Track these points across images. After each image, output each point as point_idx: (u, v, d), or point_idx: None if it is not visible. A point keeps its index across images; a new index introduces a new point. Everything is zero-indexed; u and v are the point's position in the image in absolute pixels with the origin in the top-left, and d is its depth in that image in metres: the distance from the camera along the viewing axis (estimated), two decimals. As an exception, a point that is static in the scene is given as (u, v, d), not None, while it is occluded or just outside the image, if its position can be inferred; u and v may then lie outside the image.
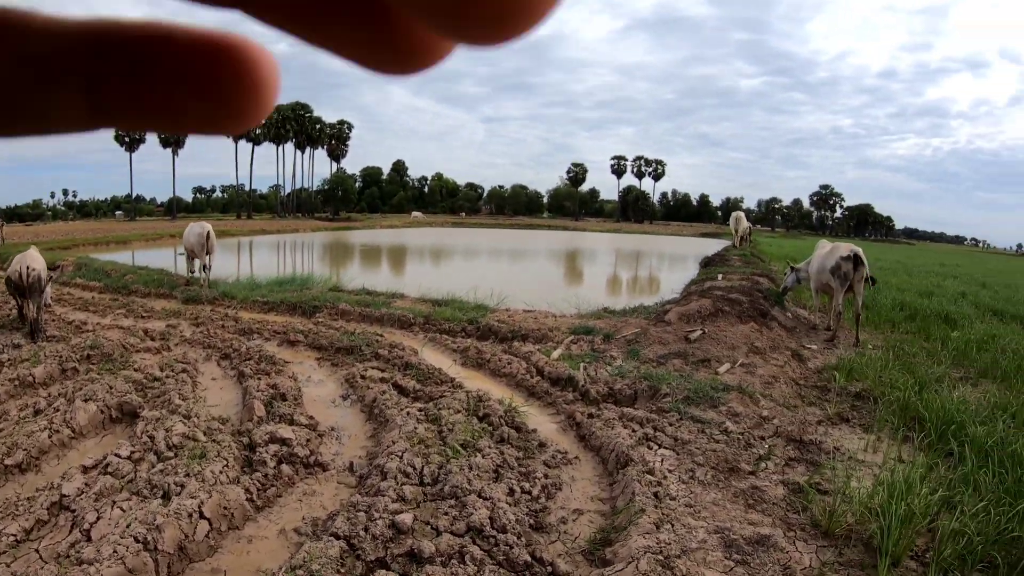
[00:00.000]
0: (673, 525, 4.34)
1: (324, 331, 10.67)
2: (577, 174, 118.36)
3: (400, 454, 5.33)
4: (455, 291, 14.28)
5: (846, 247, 11.34)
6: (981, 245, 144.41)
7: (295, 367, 8.75)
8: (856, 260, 10.94)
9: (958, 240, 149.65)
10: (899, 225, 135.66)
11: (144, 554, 3.84)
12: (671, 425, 6.40)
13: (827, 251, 11.72)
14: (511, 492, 4.97)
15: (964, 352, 10.41)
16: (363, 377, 8.11)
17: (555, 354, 9.44)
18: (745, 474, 5.36)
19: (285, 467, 5.44)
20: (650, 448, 5.79)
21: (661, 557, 3.91)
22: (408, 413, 6.46)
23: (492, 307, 13.31)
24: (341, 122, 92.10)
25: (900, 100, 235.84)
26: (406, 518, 4.28)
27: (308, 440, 6.00)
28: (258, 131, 79.76)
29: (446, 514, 4.44)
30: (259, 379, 7.63)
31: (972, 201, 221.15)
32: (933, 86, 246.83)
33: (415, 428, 5.94)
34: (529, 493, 5.06)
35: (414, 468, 5.10)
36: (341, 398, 7.71)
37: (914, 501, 4.33)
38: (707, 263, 25.54)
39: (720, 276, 17.98)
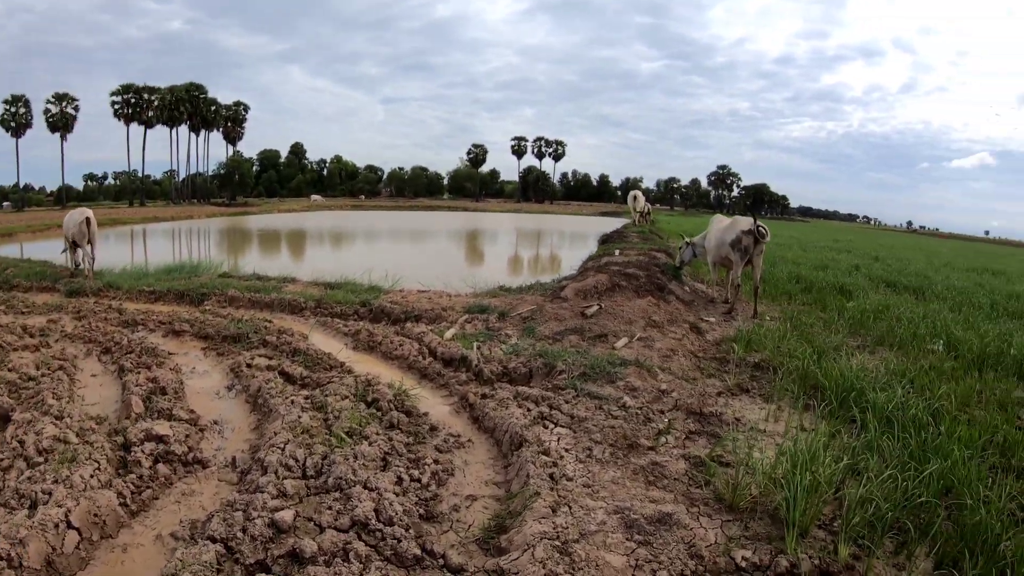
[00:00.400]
0: (570, 507, 4.16)
1: (211, 319, 10.27)
2: (478, 155, 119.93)
3: (282, 446, 5.05)
4: (350, 273, 14.27)
5: (746, 221, 11.55)
6: (873, 222, 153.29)
7: (179, 358, 8.36)
8: (757, 234, 11.16)
9: (850, 218, 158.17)
10: (794, 204, 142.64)
11: (8, 572, 3.51)
12: (567, 403, 6.25)
13: (726, 225, 11.92)
14: (399, 481, 4.71)
15: (860, 321, 10.81)
16: (249, 366, 7.77)
17: (448, 334, 9.20)
18: (645, 450, 5.25)
19: (162, 467, 5.09)
20: (546, 427, 5.61)
21: (558, 542, 3.72)
22: (293, 402, 6.21)
23: (386, 288, 13.32)
24: (237, 103, 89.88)
25: (796, 85, 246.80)
26: (287, 515, 4.01)
27: (187, 436, 5.66)
28: (151, 113, 77.33)
29: (330, 508, 4.17)
30: (139, 373, 7.15)
31: (864, 181, 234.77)
32: (828, 73, 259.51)
33: (299, 417, 5.69)
34: (419, 481, 4.82)
35: (296, 460, 4.82)
36: (226, 389, 7.38)
37: (818, 470, 4.30)
38: (606, 240, 26.00)
39: (618, 252, 18.18)
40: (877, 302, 12.50)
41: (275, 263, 20.43)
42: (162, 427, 5.54)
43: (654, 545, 3.79)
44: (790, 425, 6.11)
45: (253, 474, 4.77)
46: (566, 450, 5.14)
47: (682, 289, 13.35)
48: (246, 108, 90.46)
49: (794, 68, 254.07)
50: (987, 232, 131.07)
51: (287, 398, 6.35)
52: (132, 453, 5.14)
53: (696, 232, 15.10)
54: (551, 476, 4.61)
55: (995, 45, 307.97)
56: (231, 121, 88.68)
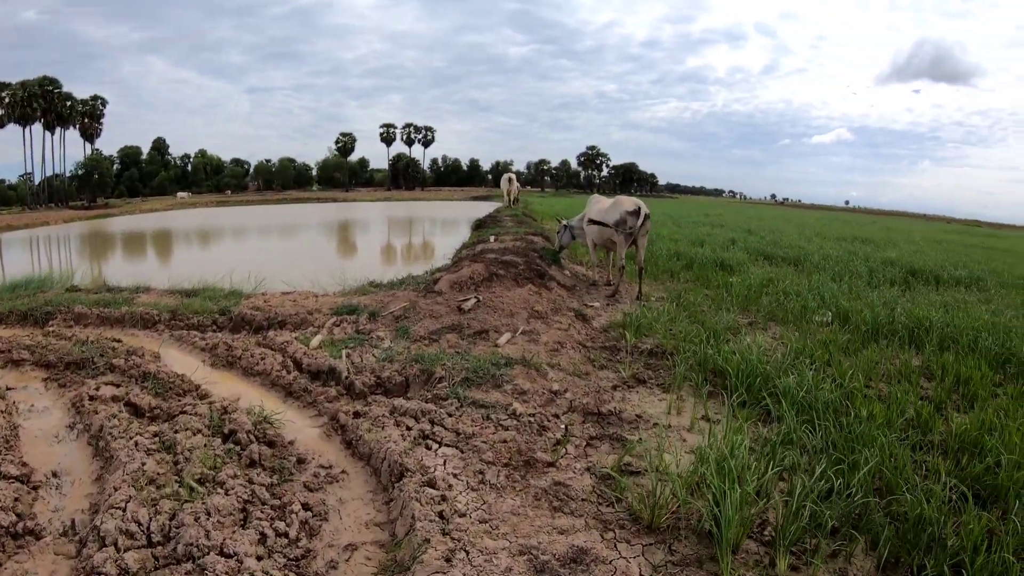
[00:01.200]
0: (468, 553, 3.57)
1: (55, 343, 8.71)
2: (346, 144, 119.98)
3: (123, 506, 4.13)
4: (211, 277, 12.99)
5: (630, 201, 11.33)
6: (739, 197, 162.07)
7: (16, 394, 7.00)
8: (641, 214, 10.97)
9: (717, 193, 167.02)
10: (662, 181, 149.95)
11: None
12: (451, 416, 5.64)
13: (608, 205, 11.68)
14: (262, 539, 3.94)
15: (748, 297, 10.81)
16: (92, 398, 6.54)
17: (315, 341, 8.40)
18: (544, 467, 4.74)
19: (-14, 545, 4.07)
20: (429, 448, 4.99)
21: (456, 601, 3.12)
22: (137, 444, 5.20)
23: (248, 292, 12.16)
24: (95, 98, 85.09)
25: (662, 68, 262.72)
26: (130, 603, 3.21)
27: (17, 499, 4.57)
28: (1, 112, 71.83)
29: (182, 587, 3.38)
30: (-35, 420, 5.90)
31: (728, 158, 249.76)
32: (693, 55, 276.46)
33: (143, 464, 4.73)
34: (286, 536, 4.06)
35: (140, 524, 3.95)
36: (67, 429, 6.14)
37: (746, 477, 3.94)
38: (479, 225, 25.59)
39: (492, 238, 17.73)
40: (760, 276, 12.67)
41: (133, 269, 19.20)
42: (-15, 493, 4.52)
43: (570, 592, 3.27)
44: (695, 417, 5.85)
45: (90, 547, 3.89)
46: (455, 476, 4.54)
47: (563, 274, 13.05)
48: (104, 103, 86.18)
49: (660, 51, 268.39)
50: (847, 202, 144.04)
51: (131, 438, 5.34)
52: (-48, 532, 4.13)
53: (570, 212, 14.89)
54: (440, 515, 3.98)
55: (851, 30, 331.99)
56: (88, 117, 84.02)
